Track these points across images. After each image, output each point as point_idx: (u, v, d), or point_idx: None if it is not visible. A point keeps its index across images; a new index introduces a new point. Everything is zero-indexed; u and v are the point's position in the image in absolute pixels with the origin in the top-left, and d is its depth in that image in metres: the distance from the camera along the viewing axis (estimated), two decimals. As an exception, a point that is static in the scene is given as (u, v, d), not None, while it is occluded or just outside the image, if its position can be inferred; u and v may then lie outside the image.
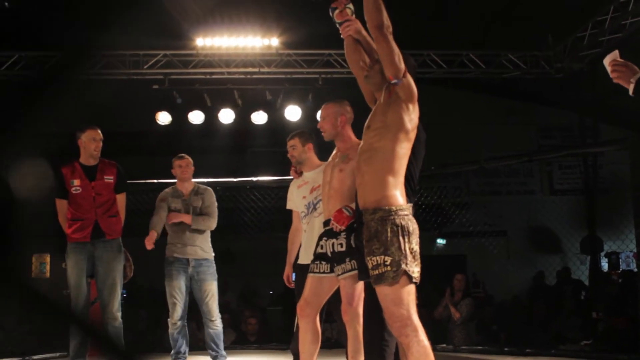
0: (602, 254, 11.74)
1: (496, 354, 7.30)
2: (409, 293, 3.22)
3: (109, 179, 5.43)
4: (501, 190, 14.57)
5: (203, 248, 5.90)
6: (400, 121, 3.37)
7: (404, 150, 3.39)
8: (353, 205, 3.90)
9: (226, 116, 10.09)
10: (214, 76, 10.16)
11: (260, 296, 11.81)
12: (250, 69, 10.02)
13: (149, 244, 5.60)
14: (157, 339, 8.49)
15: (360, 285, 3.90)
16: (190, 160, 6.05)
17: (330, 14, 3.89)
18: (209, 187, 6.16)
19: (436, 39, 10.59)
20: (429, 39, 10.55)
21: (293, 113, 10.00)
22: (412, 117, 3.44)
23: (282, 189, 6.20)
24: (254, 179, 8.54)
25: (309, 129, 5.15)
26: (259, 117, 10.21)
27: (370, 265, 3.26)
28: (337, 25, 3.84)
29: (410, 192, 3.94)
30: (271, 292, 12.47)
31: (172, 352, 5.82)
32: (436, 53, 10.05)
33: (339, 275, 3.98)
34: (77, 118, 5.63)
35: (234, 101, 10.14)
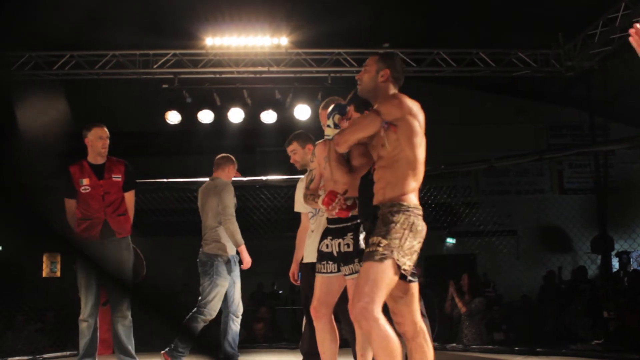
0: (613, 253, 11.68)
1: (506, 353, 7.27)
2: (386, 280, 3.19)
3: (117, 177, 5.41)
4: (511, 189, 14.53)
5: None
6: (410, 129, 3.40)
7: (423, 154, 3.46)
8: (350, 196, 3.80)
9: (236, 115, 10.10)
10: (223, 75, 10.18)
11: (270, 296, 11.83)
12: (259, 68, 10.04)
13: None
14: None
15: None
16: None
17: (335, 112, 3.71)
18: None
19: (446, 37, 10.58)
20: (439, 37, 10.54)
21: (302, 112, 10.00)
22: (418, 119, 3.46)
23: (291, 188, 6.19)
24: (264, 178, 8.54)
25: (318, 128, 5.10)
26: (269, 116, 10.22)
27: (369, 244, 3.30)
28: (331, 124, 3.69)
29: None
30: (280, 292, 12.48)
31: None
32: (446, 51, 10.03)
33: (346, 275, 3.97)
34: (87, 118, 5.66)
35: (244, 100, 10.16)
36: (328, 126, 3.74)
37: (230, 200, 5.84)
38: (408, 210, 3.31)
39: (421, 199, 3.66)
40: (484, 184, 14.39)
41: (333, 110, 3.74)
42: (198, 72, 10.08)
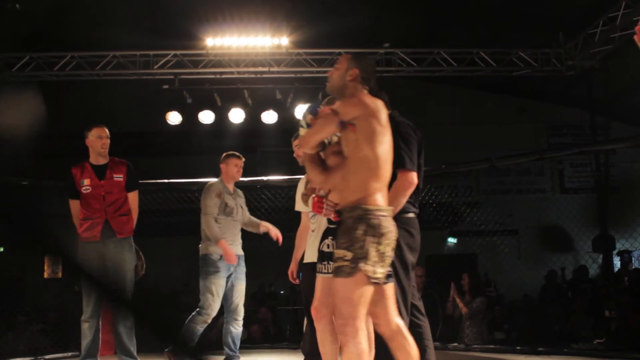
0: (614, 252, 11.67)
1: (508, 352, 7.26)
2: (362, 294, 3.16)
3: (119, 177, 5.43)
4: (512, 189, 14.54)
5: (241, 245, 5.98)
6: (369, 128, 3.31)
7: (387, 153, 3.35)
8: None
9: (236, 116, 10.10)
10: (224, 76, 10.18)
11: (271, 296, 11.83)
12: (260, 69, 10.04)
13: (234, 259, 5.72)
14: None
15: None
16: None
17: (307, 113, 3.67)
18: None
19: (446, 37, 10.58)
20: (440, 37, 10.54)
21: (303, 112, 9.99)
22: (379, 118, 3.34)
23: (292, 188, 6.20)
24: (265, 178, 8.52)
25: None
26: (269, 117, 10.22)
27: (335, 258, 3.25)
28: (304, 125, 3.66)
29: (413, 198, 3.91)
30: (282, 292, 12.48)
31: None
32: (446, 51, 10.03)
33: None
34: (88, 118, 5.67)
35: (244, 101, 10.15)
36: (301, 126, 3.71)
37: (209, 200, 5.84)
38: (369, 214, 3.21)
39: (422, 199, 3.68)
40: (485, 183, 14.40)
41: (306, 110, 3.71)
42: (199, 73, 10.09)
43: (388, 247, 3.25)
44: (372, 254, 3.17)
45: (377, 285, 3.24)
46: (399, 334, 3.38)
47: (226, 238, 5.78)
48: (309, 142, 3.46)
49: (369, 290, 3.20)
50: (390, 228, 3.27)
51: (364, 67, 3.54)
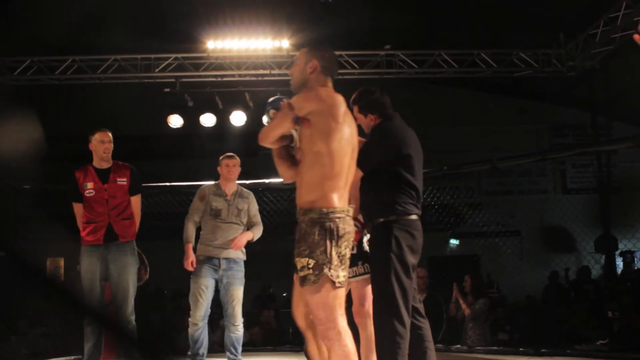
0: (617, 252, 11.67)
1: (511, 354, 7.26)
2: (335, 297, 3.12)
3: (122, 181, 5.44)
4: (514, 190, 14.52)
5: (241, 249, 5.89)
6: (325, 123, 3.21)
7: (345, 149, 3.24)
8: (360, 217, 3.91)
9: (238, 118, 10.10)
10: (225, 79, 10.19)
11: (274, 298, 11.81)
12: (261, 71, 10.05)
13: (191, 266, 5.68)
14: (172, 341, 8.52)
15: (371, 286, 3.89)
16: (239, 160, 5.99)
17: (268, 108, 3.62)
18: (251, 192, 6.08)
19: (447, 38, 10.58)
20: (440, 38, 10.54)
21: (266, 105, 9.98)
22: (334, 112, 3.24)
23: (294, 190, 6.19)
24: (266, 180, 8.53)
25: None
26: (270, 119, 10.20)
27: (298, 267, 3.17)
28: (267, 115, 3.61)
29: (414, 196, 3.91)
30: (285, 294, 12.47)
31: (190, 352, 5.79)
32: (447, 53, 10.03)
33: (350, 277, 3.97)
34: (90, 122, 5.67)
35: (246, 103, 10.15)
36: (267, 121, 3.62)
37: (192, 203, 5.92)
38: (323, 217, 3.12)
39: (424, 201, 3.68)
40: (487, 184, 14.38)
41: (268, 104, 3.64)
42: (200, 76, 10.10)
43: (347, 250, 3.19)
44: (334, 257, 3.11)
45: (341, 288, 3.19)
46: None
47: (213, 241, 5.76)
48: (268, 137, 3.34)
49: (339, 291, 3.16)
50: (347, 229, 3.17)
51: (322, 56, 3.46)
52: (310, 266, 3.09)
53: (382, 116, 4.07)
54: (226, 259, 5.75)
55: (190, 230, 5.83)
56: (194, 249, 5.81)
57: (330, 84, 3.43)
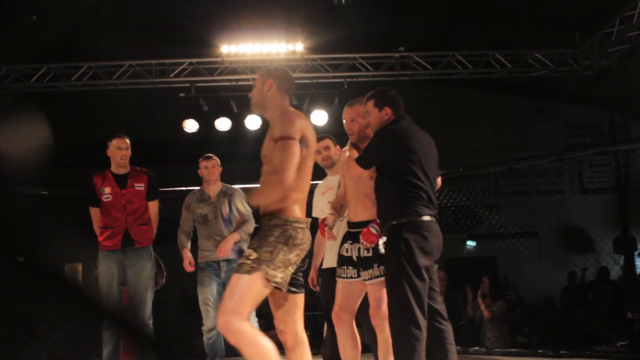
0: (636, 253, 11.56)
1: (530, 356, 7.21)
2: (256, 294, 3.16)
3: (140, 186, 5.47)
4: (530, 191, 14.43)
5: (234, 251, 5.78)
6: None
7: (308, 166, 3.38)
8: (379, 221, 3.91)
9: (253, 122, 10.13)
10: (239, 83, 10.21)
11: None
12: (275, 75, 10.04)
13: (190, 267, 5.67)
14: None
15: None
16: (217, 160, 5.93)
17: None
18: (237, 187, 6.00)
19: (461, 39, 10.55)
20: (454, 39, 10.51)
21: (320, 117, 10.00)
22: (306, 134, 3.37)
23: (309, 194, 6.19)
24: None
25: (336, 133, 5.06)
26: (285, 123, 10.21)
27: (242, 255, 3.27)
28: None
29: (424, 198, 3.88)
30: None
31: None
32: (462, 54, 9.99)
33: (366, 280, 3.97)
34: (105, 128, 5.71)
35: (261, 107, 10.15)
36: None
37: (182, 214, 5.94)
38: (287, 225, 3.25)
39: (440, 202, 3.68)
40: (503, 185, 14.31)
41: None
42: (214, 80, 10.12)
43: (297, 258, 3.27)
44: (278, 259, 3.18)
45: (280, 291, 3.25)
46: (300, 345, 3.37)
47: (208, 246, 5.75)
48: (291, 176, 3.27)
49: (263, 292, 3.20)
50: (304, 240, 3.29)
51: (278, 76, 3.60)
52: (251, 257, 3.17)
53: (395, 114, 4.05)
54: (226, 260, 5.72)
55: (182, 239, 5.81)
56: (196, 257, 5.82)
57: (287, 102, 3.58)
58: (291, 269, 3.25)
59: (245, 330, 3.11)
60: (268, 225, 3.25)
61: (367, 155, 3.93)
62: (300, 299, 3.39)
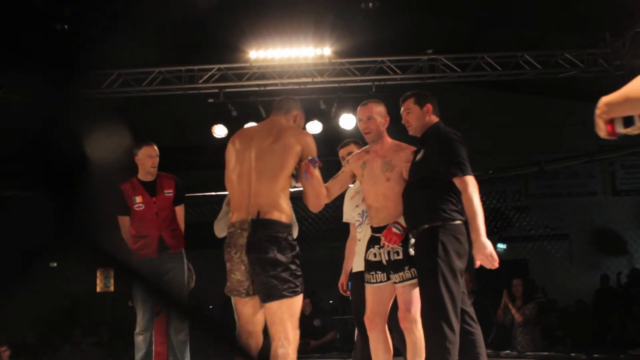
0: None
1: (562, 359, 7.13)
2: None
3: (169, 192, 5.47)
4: (562, 193, 14.28)
5: None
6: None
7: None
8: (402, 222, 3.90)
9: (279, 127, 10.15)
10: (268, 88, 10.25)
11: (320, 306, 11.81)
12: (303, 79, 10.08)
13: None
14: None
15: (417, 291, 3.87)
16: None
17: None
18: None
19: (490, 41, 10.48)
20: (483, 41, 10.45)
21: (348, 121, 10.01)
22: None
23: (339, 197, 6.19)
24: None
25: (363, 137, 5.05)
26: (314, 127, 10.25)
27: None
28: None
29: (457, 201, 3.87)
30: (331, 302, 12.47)
31: None
32: (490, 55, 9.93)
33: (396, 283, 3.95)
34: (135, 135, 5.74)
35: (289, 112, 10.19)
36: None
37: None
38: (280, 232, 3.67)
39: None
40: (534, 187, 14.18)
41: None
42: (243, 86, 10.18)
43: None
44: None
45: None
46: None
47: None
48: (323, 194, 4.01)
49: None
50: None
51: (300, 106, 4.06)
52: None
53: (434, 112, 4.07)
54: None
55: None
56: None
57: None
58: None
59: None
60: (260, 237, 3.69)
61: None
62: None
